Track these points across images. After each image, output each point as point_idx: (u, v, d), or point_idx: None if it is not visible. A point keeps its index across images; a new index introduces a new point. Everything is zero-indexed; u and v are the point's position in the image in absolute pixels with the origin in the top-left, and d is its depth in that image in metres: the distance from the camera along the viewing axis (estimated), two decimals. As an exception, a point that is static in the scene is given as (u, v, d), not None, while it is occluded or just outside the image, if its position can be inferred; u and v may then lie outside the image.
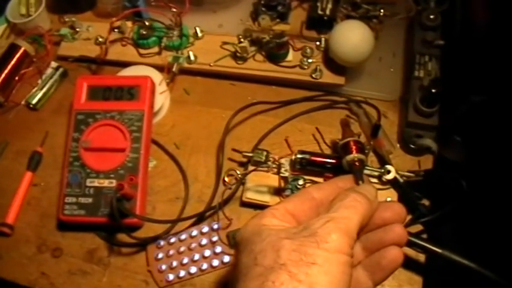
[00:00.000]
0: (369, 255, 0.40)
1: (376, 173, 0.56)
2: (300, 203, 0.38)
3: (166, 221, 0.57)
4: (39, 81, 0.71)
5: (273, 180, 0.57)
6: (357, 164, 0.50)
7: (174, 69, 0.67)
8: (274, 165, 0.55)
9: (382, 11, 0.66)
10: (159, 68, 0.68)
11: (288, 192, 0.57)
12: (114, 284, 0.57)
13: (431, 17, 0.64)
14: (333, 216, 0.34)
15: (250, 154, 0.58)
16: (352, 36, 0.61)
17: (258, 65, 0.67)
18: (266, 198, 0.57)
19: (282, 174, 0.53)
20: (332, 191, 0.39)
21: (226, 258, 0.56)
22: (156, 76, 0.66)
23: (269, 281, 0.31)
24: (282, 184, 0.56)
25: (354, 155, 0.50)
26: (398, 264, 0.38)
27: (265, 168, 0.56)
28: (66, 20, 0.74)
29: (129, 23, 0.71)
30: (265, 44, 0.65)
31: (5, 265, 0.59)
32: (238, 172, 0.58)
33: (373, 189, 0.39)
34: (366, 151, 0.55)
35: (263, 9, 0.67)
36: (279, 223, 0.36)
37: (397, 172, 0.56)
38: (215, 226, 0.57)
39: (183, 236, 0.57)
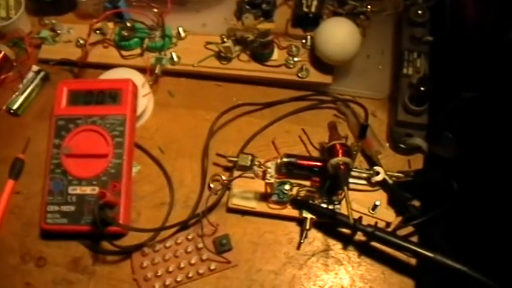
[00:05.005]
0: None
1: (364, 175, 0.55)
2: None
3: (149, 230, 0.56)
4: (20, 86, 0.69)
5: (260, 185, 0.55)
6: (342, 167, 0.49)
7: (157, 70, 0.66)
8: (259, 170, 0.54)
9: (369, 7, 0.65)
10: (142, 70, 0.66)
11: (274, 197, 0.55)
12: (100, 293, 0.56)
13: (419, 12, 0.62)
14: None
15: (235, 159, 0.56)
16: (338, 34, 0.59)
17: (242, 65, 0.65)
18: (252, 204, 0.56)
19: (267, 181, 0.52)
20: None
21: (213, 265, 0.55)
22: (139, 78, 0.64)
23: None
24: (269, 189, 0.54)
25: (339, 159, 0.49)
26: None
27: (251, 174, 0.55)
28: (47, 22, 0.72)
29: (110, 24, 0.69)
30: (249, 43, 0.64)
31: (-11, 276, 0.58)
32: (223, 177, 0.57)
33: None
34: (354, 152, 0.54)
35: (247, 7, 0.66)
36: None
37: (386, 173, 0.55)
38: (201, 233, 0.56)
39: (168, 243, 0.56)
